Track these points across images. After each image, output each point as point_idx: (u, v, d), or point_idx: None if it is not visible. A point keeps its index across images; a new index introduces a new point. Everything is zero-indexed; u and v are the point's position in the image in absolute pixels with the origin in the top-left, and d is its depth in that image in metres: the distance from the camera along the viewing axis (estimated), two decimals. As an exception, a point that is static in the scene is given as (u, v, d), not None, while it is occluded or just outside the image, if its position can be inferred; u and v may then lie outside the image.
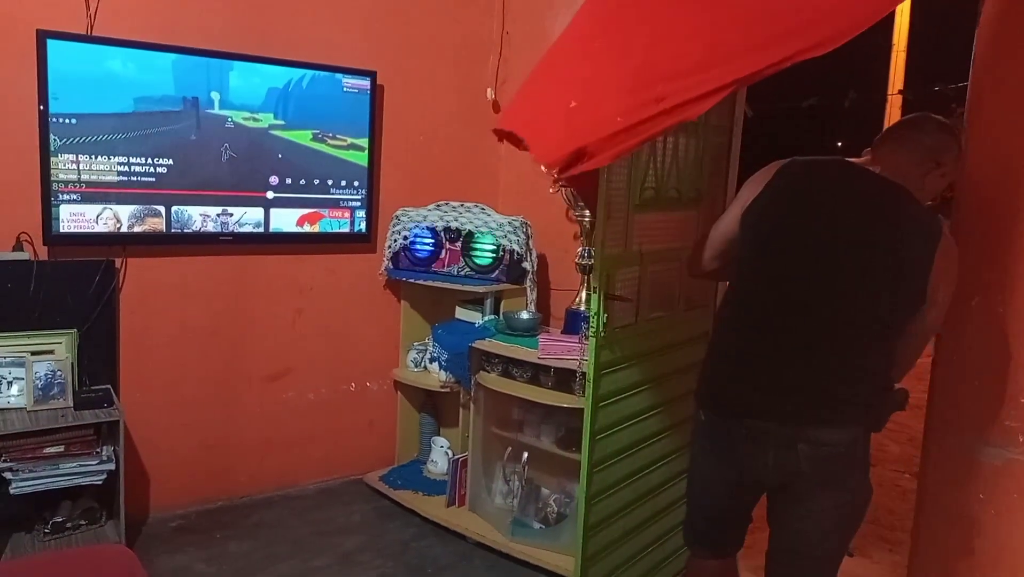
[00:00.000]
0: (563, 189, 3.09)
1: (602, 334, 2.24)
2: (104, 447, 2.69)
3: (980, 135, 1.94)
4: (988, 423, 1.86)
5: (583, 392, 2.71)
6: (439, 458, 3.39)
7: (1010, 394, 1.82)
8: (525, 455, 2.98)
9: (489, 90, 3.70)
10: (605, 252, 2.23)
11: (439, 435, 3.51)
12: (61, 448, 2.63)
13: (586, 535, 2.31)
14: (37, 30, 2.60)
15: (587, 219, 3.04)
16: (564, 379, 2.80)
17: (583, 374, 2.62)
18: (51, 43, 2.62)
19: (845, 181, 1.78)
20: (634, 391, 2.46)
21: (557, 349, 2.81)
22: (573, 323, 3.05)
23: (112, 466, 2.67)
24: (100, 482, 2.67)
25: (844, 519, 1.81)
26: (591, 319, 2.23)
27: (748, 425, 1.78)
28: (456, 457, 3.17)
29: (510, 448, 3.04)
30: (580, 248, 3.08)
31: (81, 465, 2.64)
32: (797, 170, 1.81)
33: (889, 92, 11.19)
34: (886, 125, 11.42)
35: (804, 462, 1.74)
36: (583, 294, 3.08)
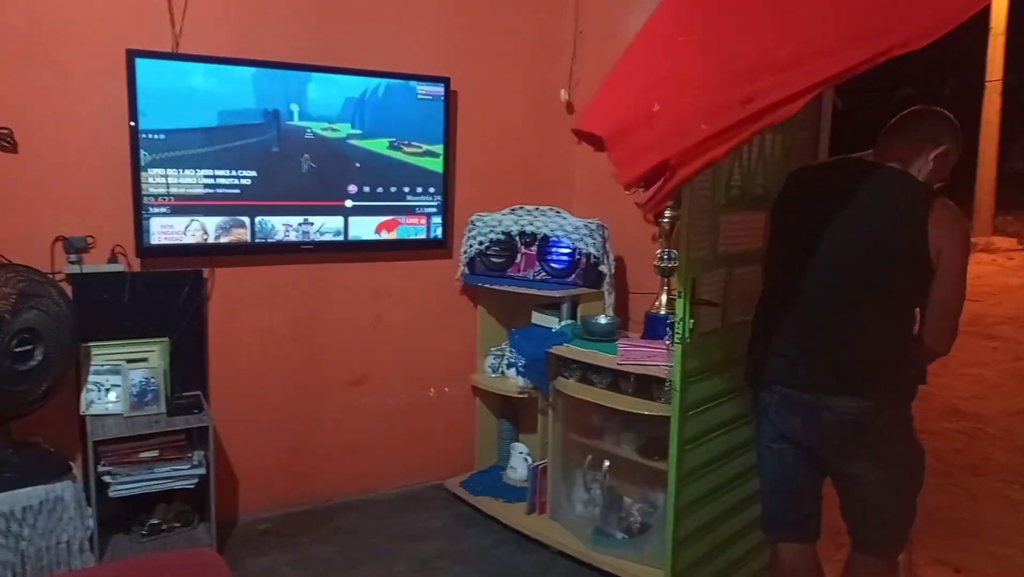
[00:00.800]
0: (640, 191, 3.01)
1: (688, 340, 2.17)
2: (195, 452, 2.78)
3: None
4: None
5: (666, 399, 2.63)
6: (518, 464, 3.36)
7: None
8: (606, 463, 2.91)
9: (563, 91, 3.65)
10: (690, 255, 2.15)
11: (518, 441, 3.48)
12: (156, 453, 2.72)
13: (675, 549, 2.25)
14: (127, 49, 2.71)
15: (667, 220, 2.96)
16: (644, 385, 2.73)
17: (667, 381, 2.55)
18: (139, 61, 2.72)
19: (842, 175, 1.94)
20: (722, 399, 2.37)
21: (637, 355, 2.74)
22: (653, 328, 2.97)
23: (203, 471, 2.76)
24: (192, 486, 2.76)
25: (887, 482, 1.94)
26: (676, 325, 2.16)
27: (777, 392, 1.97)
28: (536, 464, 3.14)
29: (590, 456, 2.98)
30: (659, 250, 3.00)
31: (174, 469, 2.73)
32: (800, 174, 2.06)
33: (988, 78, 10.56)
34: (984, 114, 10.81)
35: (827, 428, 1.90)
36: (663, 298, 3.00)
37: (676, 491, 2.21)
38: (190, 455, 2.77)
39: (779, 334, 1.97)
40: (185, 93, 2.83)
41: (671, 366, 2.58)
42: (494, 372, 3.44)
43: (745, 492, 2.52)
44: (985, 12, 10.26)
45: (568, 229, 3.22)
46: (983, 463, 3.93)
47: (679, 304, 2.14)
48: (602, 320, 3.06)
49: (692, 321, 2.16)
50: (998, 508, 3.43)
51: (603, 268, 3.17)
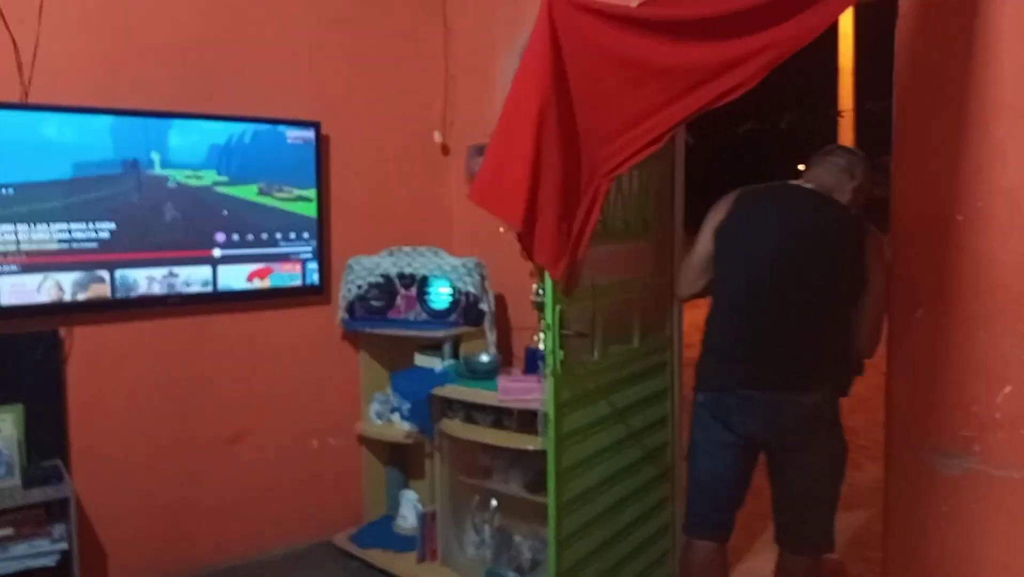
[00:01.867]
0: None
1: (559, 372, 2.21)
2: (56, 526, 2.59)
3: (908, 154, 1.97)
4: (943, 434, 1.86)
5: (542, 431, 2.67)
6: (408, 512, 3.30)
7: (961, 403, 1.82)
8: (494, 502, 2.91)
9: (436, 133, 3.71)
10: (556, 287, 2.21)
11: (407, 488, 3.42)
12: (10, 530, 2.52)
13: None
14: (-32, 100, 2.56)
15: (540, 256, 3.02)
16: (528, 420, 2.75)
17: (539, 413, 2.59)
18: (-17, 113, 2.58)
19: (791, 198, 2.20)
20: (599, 427, 2.42)
21: (516, 390, 2.77)
22: (532, 362, 3.01)
23: (65, 546, 2.56)
24: (54, 564, 2.56)
25: (831, 471, 2.18)
26: (547, 357, 2.21)
27: (740, 395, 2.12)
28: (424, 511, 3.09)
29: (478, 496, 2.97)
30: (535, 285, 3.06)
31: (32, 547, 2.53)
32: (754, 194, 2.25)
33: (841, 108, 11.44)
34: (840, 141, 11.69)
35: (787, 423, 2.10)
36: (541, 333, 3.05)
37: (557, 521, 2.23)
38: (50, 529, 2.57)
39: (739, 340, 2.15)
40: (36, 144, 2.69)
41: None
42: (379, 418, 3.38)
43: (628, 517, 2.57)
44: (830, 51, 11.18)
45: (447, 269, 3.25)
46: (853, 470, 4.15)
47: (547, 336, 2.19)
48: (484, 358, 3.08)
49: (563, 353, 2.21)
50: (869, 513, 3.64)
51: (483, 306, 3.20)
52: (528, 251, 2.21)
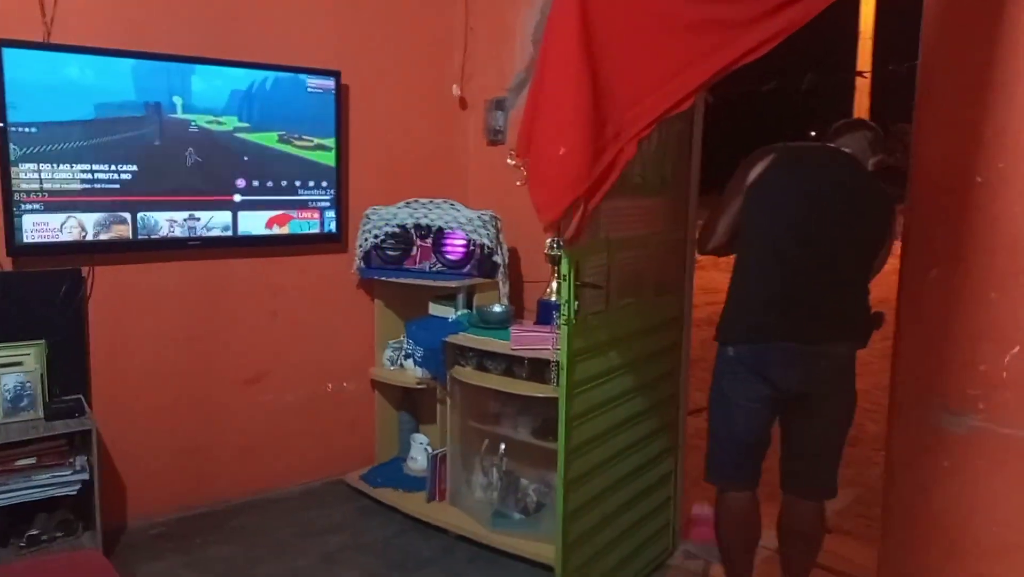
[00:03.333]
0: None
1: (573, 322, 2.25)
2: (77, 457, 2.68)
3: (930, 115, 1.97)
4: (950, 392, 1.90)
5: (558, 381, 2.73)
6: (419, 455, 3.39)
7: (969, 362, 1.85)
8: (502, 447, 2.99)
9: (455, 86, 3.71)
10: (562, 238, 2.22)
11: (418, 432, 3.51)
12: (33, 460, 2.61)
13: (566, 522, 2.32)
14: (-8, 39, 2.58)
15: (555, 210, 3.05)
16: (538, 369, 2.82)
17: (557, 363, 2.64)
18: (7, 51, 2.60)
19: (829, 158, 2.30)
20: (608, 377, 2.47)
21: (529, 340, 2.83)
22: (545, 313, 3.06)
23: (86, 476, 2.65)
24: (75, 493, 2.65)
25: (846, 418, 2.32)
26: (562, 307, 2.24)
27: (781, 348, 2.20)
28: (435, 453, 3.18)
29: (487, 441, 3.05)
30: (549, 239, 3.09)
31: (54, 476, 2.62)
32: (790, 152, 2.31)
33: (859, 72, 11.30)
34: (855, 106, 11.57)
35: (823, 373, 2.21)
36: (554, 285, 3.09)
37: (565, 465, 2.29)
38: (72, 460, 2.66)
39: (777, 293, 2.22)
40: (59, 85, 2.71)
41: (559, 349, 2.69)
42: (392, 364, 3.45)
43: (631, 465, 2.64)
44: (851, 14, 10.99)
45: (462, 221, 3.28)
46: (857, 433, 4.23)
47: (564, 287, 2.23)
48: (497, 308, 3.14)
49: (577, 303, 2.25)
50: (870, 473, 3.72)
51: (497, 258, 3.24)
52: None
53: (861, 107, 11.55)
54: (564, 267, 2.22)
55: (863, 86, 11.36)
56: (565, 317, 2.23)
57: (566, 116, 1.97)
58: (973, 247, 1.84)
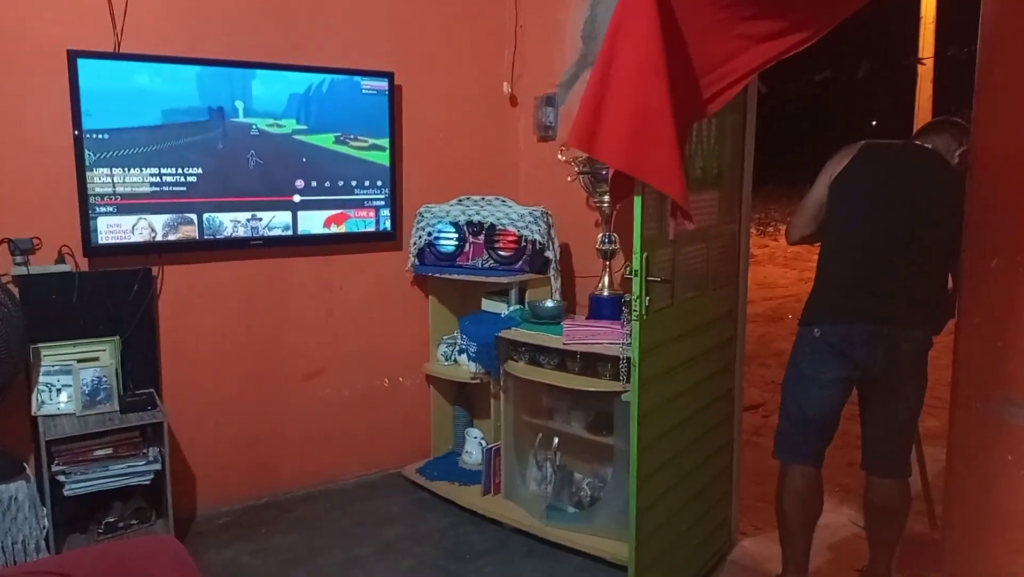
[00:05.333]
0: (581, 177, 3.12)
1: (645, 317, 2.25)
2: (150, 448, 2.80)
3: (991, 101, 1.92)
4: (1013, 384, 1.85)
5: (611, 376, 2.74)
6: (473, 449, 3.44)
7: (1034, 353, 1.80)
8: (556, 441, 3.02)
9: (505, 84, 3.75)
10: (644, 234, 2.23)
11: (472, 426, 3.57)
12: (110, 450, 2.74)
13: (638, 517, 2.31)
14: (68, 50, 2.71)
15: (606, 205, 3.07)
16: (590, 364, 2.84)
17: (614, 358, 2.66)
18: (81, 62, 2.73)
19: (912, 154, 2.45)
20: (673, 372, 2.46)
21: (581, 334, 2.85)
22: (597, 308, 3.08)
23: (159, 466, 2.78)
24: (148, 482, 2.78)
25: (920, 400, 2.45)
26: (633, 303, 2.24)
27: (865, 329, 2.34)
28: (489, 447, 3.23)
29: (540, 435, 3.08)
30: (600, 234, 3.11)
31: (129, 466, 2.75)
32: (876, 148, 2.44)
33: (921, 56, 10.91)
34: (917, 96, 11.21)
35: (902, 357, 2.35)
36: (605, 279, 3.11)
37: (637, 460, 2.28)
38: (145, 451, 2.79)
39: (863, 278, 2.36)
40: (129, 92, 2.84)
41: (615, 344, 2.70)
42: (447, 360, 3.51)
43: (696, 459, 2.63)
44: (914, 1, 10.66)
45: (514, 217, 3.31)
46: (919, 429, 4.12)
47: (635, 283, 2.21)
48: (549, 304, 3.16)
49: (648, 299, 2.25)
50: (930, 470, 3.61)
51: (549, 254, 3.26)
52: (621, 191, 2.28)
53: (924, 94, 11.19)
54: (636, 263, 2.21)
55: (926, 72, 11.00)
56: (637, 313, 2.23)
57: (646, 100, 2.01)
58: (1037, 235, 1.79)
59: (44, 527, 2.56)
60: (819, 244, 2.53)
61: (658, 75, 1.97)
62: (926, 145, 2.45)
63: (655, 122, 2.00)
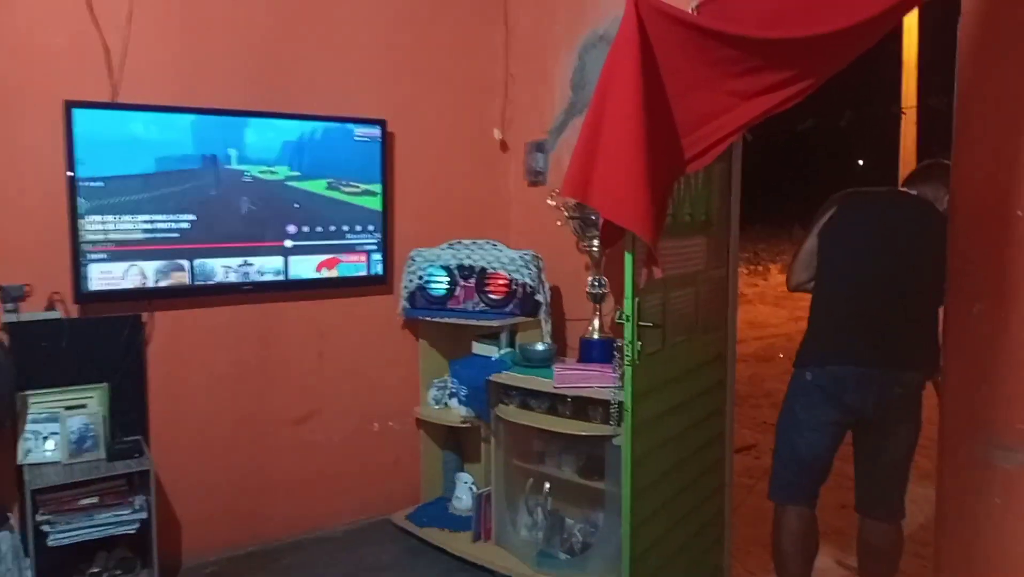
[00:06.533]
0: (571, 222, 3.16)
1: (637, 362, 2.26)
2: (136, 497, 2.76)
3: (968, 149, 1.97)
4: (998, 427, 1.87)
5: (602, 419, 2.74)
6: (464, 494, 3.41)
7: (1017, 396, 1.83)
8: (547, 486, 3.00)
9: (496, 130, 3.81)
10: (635, 279, 2.25)
11: (463, 471, 3.54)
12: (95, 499, 2.70)
13: (632, 564, 2.28)
14: (64, 100, 2.75)
15: (595, 249, 3.10)
16: (581, 407, 2.84)
17: (605, 402, 2.66)
18: (76, 112, 2.77)
19: (897, 201, 2.54)
20: (664, 417, 2.46)
21: (572, 378, 2.85)
22: (587, 351, 3.09)
23: (144, 515, 2.74)
24: (134, 531, 2.73)
25: (913, 442, 2.48)
26: (626, 348, 2.25)
27: (855, 372, 2.37)
28: (480, 492, 3.20)
29: (531, 480, 3.06)
30: (590, 278, 3.13)
31: (115, 515, 2.71)
32: (861, 196, 2.53)
33: (904, 106, 11.15)
34: (901, 141, 11.41)
35: (894, 399, 2.38)
36: (595, 323, 3.13)
37: (631, 506, 2.27)
38: (131, 500, 2.75)
39: (852, 323, 2.41)
40: (123, 141, 2.88)
41: (606, 387, 2.70)
42: (437, 404, 3.50)
43: (687, 505, 2.62)
44: (894, 47, 10.91)
45: (504, 261, 3.34)
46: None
47: (627, 328, 2.23)
48: (539, 347, 3.17)
49: (640, 343, 2.26)
50: (922, 512, 3.60)
51: (539, 297, 3.29)
52: (612, 237, 2.36)
53: (908, 138, 11.38)
54: (628, 308, 2.23)
55: (909, 118, 11.20)
56: (629, 358, 2.24)
57: (641, 151, 2.05)
58: (1016, 280, 1.83)
59: (27, 578, 2.52)
60: None
61: (640, 128, 2.02)
62: (912, 192, 2.53)
63: (631, 171, 2.04)
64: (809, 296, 2.60)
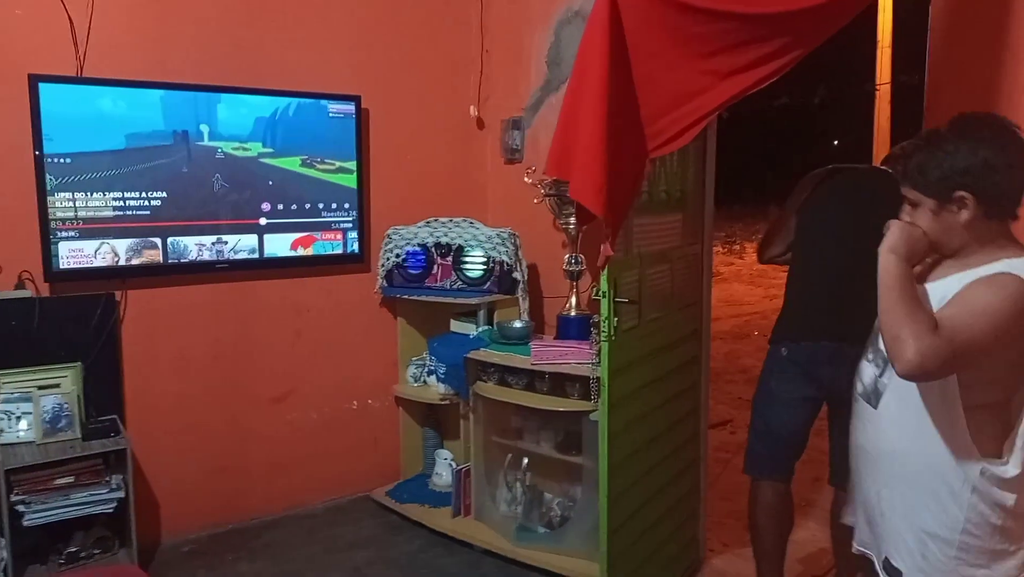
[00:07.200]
0: (548, 199, 3.16)
1: (613, 338, 2.28)
2: (113, 476, 2.75)
3: (939, 122, 2.00)
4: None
5: (579, 395, 2.77)
6: (443, 470, 3.44)
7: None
8: (525, 461, 3.03)
9: (472, 107, 3.79)
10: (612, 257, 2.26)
11: (442, 448, 3.56)
12: (71, 479, 2.68)
13: (609, 537, 2.32)
14: (29, 74, 2.69)
15: (572, 227, 3.11)
16: (559, 384, 2.86)
17: (583, 378, 2.68)
18: (43, 86, 2.71)
19: (871, 176, 2.57)
20: (641, 392, 2.49)
21: (549, 355, 2.87)
22: (565, 328, 3.11)
23: (122, 494, 2.73)
24: (111, 511, 2.72)
25: None
26: (602, 323, 2.27)
27: (829, 347, 2.34)
28: (459, 468, 3.22)
29: (510, 456, 3.09)
30: (567, 255, 3.14)
31: (92, 495, 2.69)
32: (838, 172, 2.51)
33: (878, 82, 11.25)
34: (876, 119, 11.53)
35: None
36: (572, 300, 3.14)
37: (608, 480, 2.30)
38: (108, 479, 2.73)
39: (827, 299, 2.39)
40: (91, 116, 2.82)
41: (583, 364, 2.73)
42: (416, 381, 3.51)
43: (662, 479, 2.66)
44: (868, 24, 10.97)
45: (482, 239, 3.34)
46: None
47: (603, 304, 2.25)
48: (517, 324, 3.19)
49: (616, 319, 2.28)
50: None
51: (517, 275, 3.29)
52: (587, 215, 2.33)
53: (883, 115, 11.50)
54: (604, 284, 2.24)
55: (883, 95, 11.30)
56: (605, 334, 2.26)
57: (604, 129, 2.04)
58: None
59: (2, 559, 2.50)
60: (787, 265, 2.60)
61: (604, 108, 2.02)
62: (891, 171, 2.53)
63: (592, 148, 2.04)
64: (784, 274, 2.63)
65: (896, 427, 1.65)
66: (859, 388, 1.78)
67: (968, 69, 1.92)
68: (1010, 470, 1.54)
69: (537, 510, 3.06)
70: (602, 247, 2.18)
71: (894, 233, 1.59)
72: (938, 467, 1.56)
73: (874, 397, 1.71)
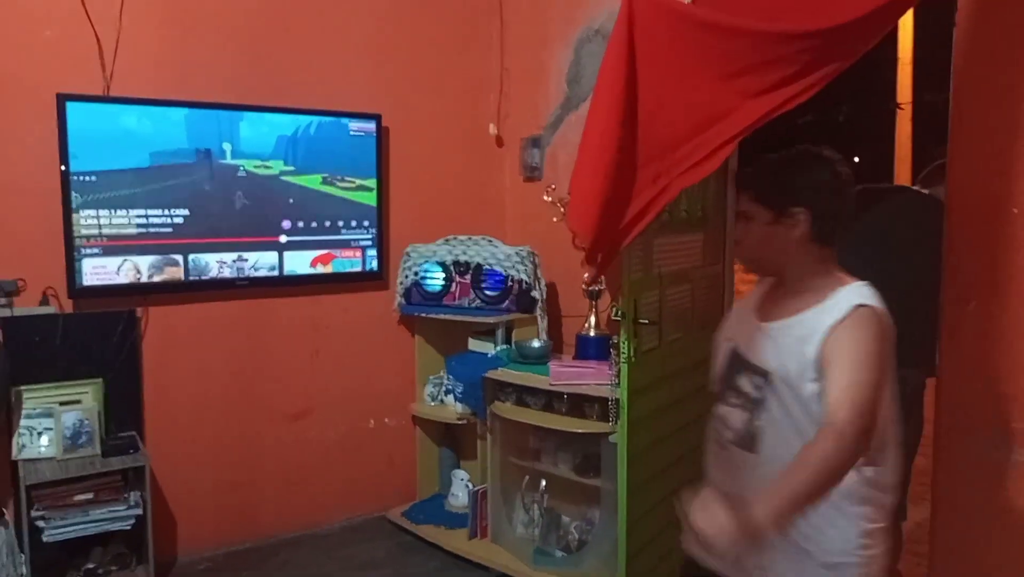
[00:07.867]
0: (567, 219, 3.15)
1: (633, 360, 2.25)
2: (132, 493, 2.76)
3: (964, 146, 1.97)
4: (993, 426, 1.87)
5: (598, 416, 2.74)
6: (459, 491, 3.41)
7: (1013, 395, 1.83)
8: (543, 483, 3.00)
9: (492, 125, 3.80)
10: (631, 278, 2.25)
11: (459, 468, 3.54)
12: (91, 495, 2.69)
13: (628, 562, 2.30)
14: (57, 94, 2.73)
15: (592, 246, 3.09)
16: (577, 404, 2.83)
17: (602, 399, 2.66)
18: (70, 105, 2.75)
19: (898, 197, 2.64)
20: (660, 414, 2.47)
21: (568, 375, 2.85)
22: (583, 348, 3.09)
23: (140, 511, 2.73)
24: (129, 527, 2.73)
25: (914, 441, 2.54)
26: (621, 345, 2.25)
27: None
28: (476, 489, 3.20)
29: (528, 477, 3.06)
30: (586, 274, 3.12)
31: (110, 511, 2.70)
32: (873, 193, 2.50)
33: (900, 101, 11.16)
34: (897, 137, 11.43)
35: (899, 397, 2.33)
36: (592, 319, 3.12)
37: (627, 504, 2.28)
38: (126, 496, 2.74)
39: None
40: (116, 135, 2.86)
41: (602, 384, 2.70)
42: (433, 400, 3.50)
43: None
44: (890, 43, 10.91)
45: (500, 257, 3.33)
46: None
47: (623, 325, 2.23)
48: (535, 344, 3.17)
49: (636, 341, 2.26)
50: (917, 510, 3.61)
51: (535, 294, 3.28)
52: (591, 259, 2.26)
53: (904, 133, 11.41)
54: (624, 305, 2.23)
55: (905, 114, 11.22)
56: (625, 355, 2.24)
57: (608, 154, 1.99)
58: (1010, 278, 1.83)
59: (22, 574, 2.51)
60: None
61: (616, 133, 1.96)
62: (924, 191, 2.54)
63: (595, 172, 1.98)
64: None
65: (783, 465, 1.48)
66: (728, 436, 1.66)
67: (994, 88, 1.89)
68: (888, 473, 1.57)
69: (555, 533, 3.02)
70: (586, 273, 2.11)
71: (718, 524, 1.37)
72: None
73: (751, 441, 1.60)
